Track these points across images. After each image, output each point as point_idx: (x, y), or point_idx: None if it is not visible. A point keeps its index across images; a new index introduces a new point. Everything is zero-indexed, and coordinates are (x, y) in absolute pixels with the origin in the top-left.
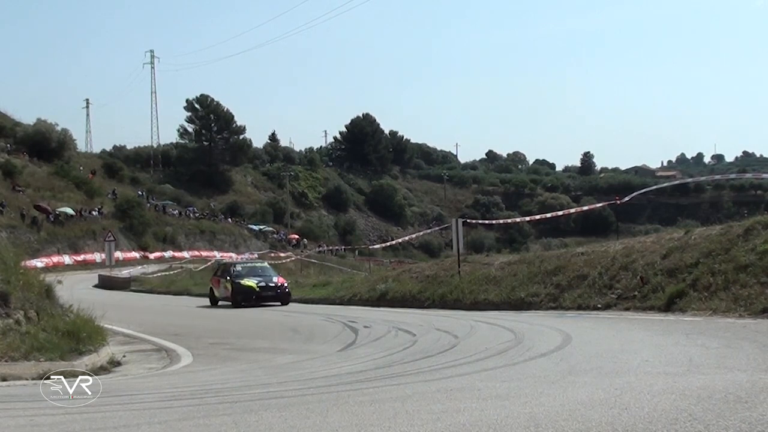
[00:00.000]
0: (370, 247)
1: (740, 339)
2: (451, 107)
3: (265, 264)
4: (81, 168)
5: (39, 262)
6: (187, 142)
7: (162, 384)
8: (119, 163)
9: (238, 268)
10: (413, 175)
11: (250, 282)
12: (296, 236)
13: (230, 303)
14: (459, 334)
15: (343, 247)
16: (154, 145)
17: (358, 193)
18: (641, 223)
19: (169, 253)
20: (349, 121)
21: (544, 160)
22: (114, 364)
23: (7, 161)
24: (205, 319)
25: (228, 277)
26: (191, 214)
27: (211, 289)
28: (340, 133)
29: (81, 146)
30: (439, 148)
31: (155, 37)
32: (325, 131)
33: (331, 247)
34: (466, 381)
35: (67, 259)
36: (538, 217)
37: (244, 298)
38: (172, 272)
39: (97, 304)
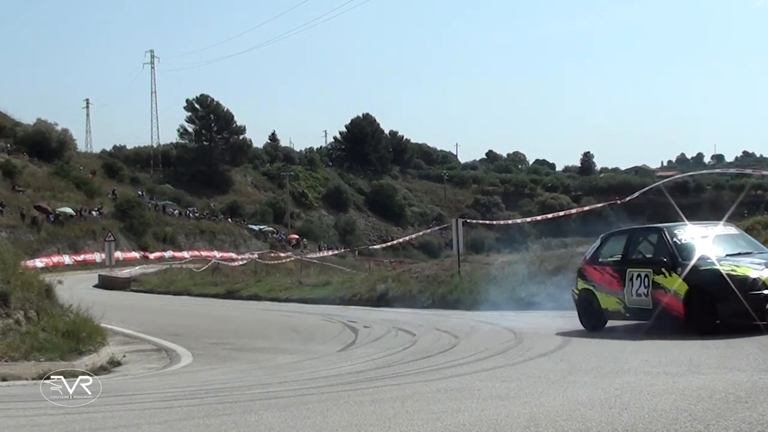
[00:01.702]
0: (370, 247)
1: (740, 339)
2: (451, 107)
3: (733, 228)
4: (81, 168)
5: (39, 262)
6: (187, 142)
7: (162, 384)
8: (119, 163)
9: (685, 237)
10: (413, 175)
11: (755, 271)
12: (296, 236)
13: (655, 321)
14: (459, 334)
15: (343, 248)
16: (154, 145)
17: (358, 193)
18: (641, 223)
19: (169, 253)
20: (349, 121)
21: (544, 160)
22: (114, 364)
23: (7, 161)
24: (205, 319)
25: (665, 260)
26: (191, 214)
27: (587, 293)
28: (340, 133)
29: (81, 146)
30: (439, 148)
31: (155, 37)
32: (325, 131)
33: (331, 253)
34: (466, 381)
35: (67, 259)
36: (538, 217)
37: (745, 309)
38: (174, 266)
39: (97, 304)
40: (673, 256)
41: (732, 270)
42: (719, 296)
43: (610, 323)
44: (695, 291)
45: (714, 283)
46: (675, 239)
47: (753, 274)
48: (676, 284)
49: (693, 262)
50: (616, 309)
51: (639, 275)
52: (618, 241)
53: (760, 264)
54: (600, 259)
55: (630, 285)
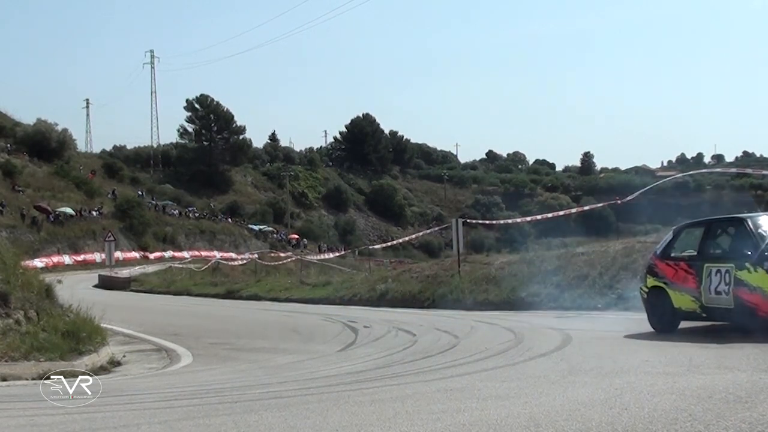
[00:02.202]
0: (370, 247)
1: (740, 339)
2: (451, 107)
3: None
4: (81, 168)
5: (39, 262)
6: (187, 142)
7: (162, 384)
8: (119, 163)
9: None
10: (413, 175)
11: None
12: (296, 236)
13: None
14: (459, 334)
15: (343, 249)
16: (154, 145)
17: (358, 193)
18: (641, 223)
19: (169, 253)
20: (349, 121)
21: (544, 160)
22: (114, 364)
23: (7, 161)
24: (205, 319)
25: (749, 253)
26: (191, 214)
27: (658, 291)
28: (340, 133)
29: (81, 146)
30: (439, 148)
31: (155, 37)
32: (325, 131)
33: (332, 255)
34: (466, 381)
35: (67, 259)
36: (538, 216)
37: None
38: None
39: (97, 304)
40: (759, 249)
41: None
42: None
43: (613, 323)
44: None
45: None
46: (760, 230)
47: None
48: (763, 281)
49: None
50: (691, 308)
51: (719, 271)
52: (693, 234)
53: None
54: (673, 254)
55: (708, 282)
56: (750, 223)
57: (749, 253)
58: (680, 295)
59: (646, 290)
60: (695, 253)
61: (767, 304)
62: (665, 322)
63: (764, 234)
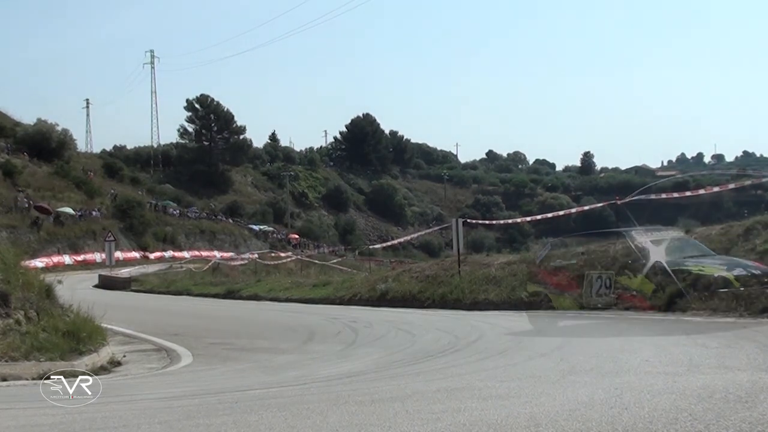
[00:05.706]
0: (370, 247)
1: (740, 339)
2: (451, 107)
3: (683, 233)
4: (81, 168)
5: (39, 262)
6: (187, 142)
7: (162, 384)
8: (119, 163)
9: (645, 241)
10: (413, 175)
11: (721, 271)
12: (296, 236)
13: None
14: (459, 334)
15: (343, 247)
16: (154, 145)
17: (358, 193)
18: (641, 223)
19: (169, 253)
20: (349, 121)
21: (544, 160)
22: (114, 364)
23: (7, 161)
24: (205, 319)
25: (629, 262)
26: (191, 214)
27: (538, 294)
28: (340, 133)
29: (81, 146)
30: (439, 148)
31: (155, 37)
32: (325, 131)
33: (332, 248)
34: (466, 381)
35: (67, 259)
36: (538, 216)
37: (716, 305)
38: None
39: (98, 304)
40: (638, 258)
41: (700, 270)
42: (691, 294)
43: (620, 325)
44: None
45: (682, 281)
46: (636, 242)
47: (718, 273)
48: (642, 284)
49: (655, 263)
50: (571, 309)
51: (600, 277)
52: (571, 246)
53: (722, 264)
54: (552, 263)
55: (589, 287)
56: (626, 236)
57: (629, 261)
58: (561, 299)
59: (527, 294)
60: (574, 262)
61: (645, 302)
62: (545, 322)
63: (640, 245)
